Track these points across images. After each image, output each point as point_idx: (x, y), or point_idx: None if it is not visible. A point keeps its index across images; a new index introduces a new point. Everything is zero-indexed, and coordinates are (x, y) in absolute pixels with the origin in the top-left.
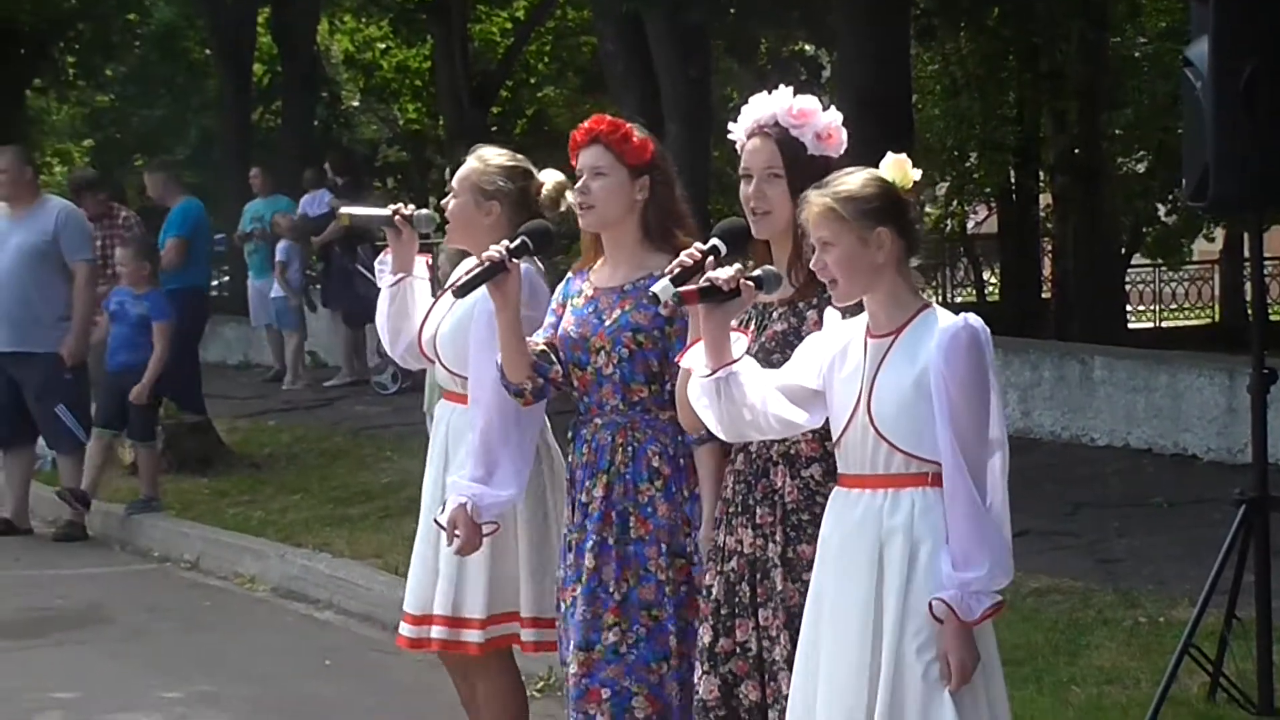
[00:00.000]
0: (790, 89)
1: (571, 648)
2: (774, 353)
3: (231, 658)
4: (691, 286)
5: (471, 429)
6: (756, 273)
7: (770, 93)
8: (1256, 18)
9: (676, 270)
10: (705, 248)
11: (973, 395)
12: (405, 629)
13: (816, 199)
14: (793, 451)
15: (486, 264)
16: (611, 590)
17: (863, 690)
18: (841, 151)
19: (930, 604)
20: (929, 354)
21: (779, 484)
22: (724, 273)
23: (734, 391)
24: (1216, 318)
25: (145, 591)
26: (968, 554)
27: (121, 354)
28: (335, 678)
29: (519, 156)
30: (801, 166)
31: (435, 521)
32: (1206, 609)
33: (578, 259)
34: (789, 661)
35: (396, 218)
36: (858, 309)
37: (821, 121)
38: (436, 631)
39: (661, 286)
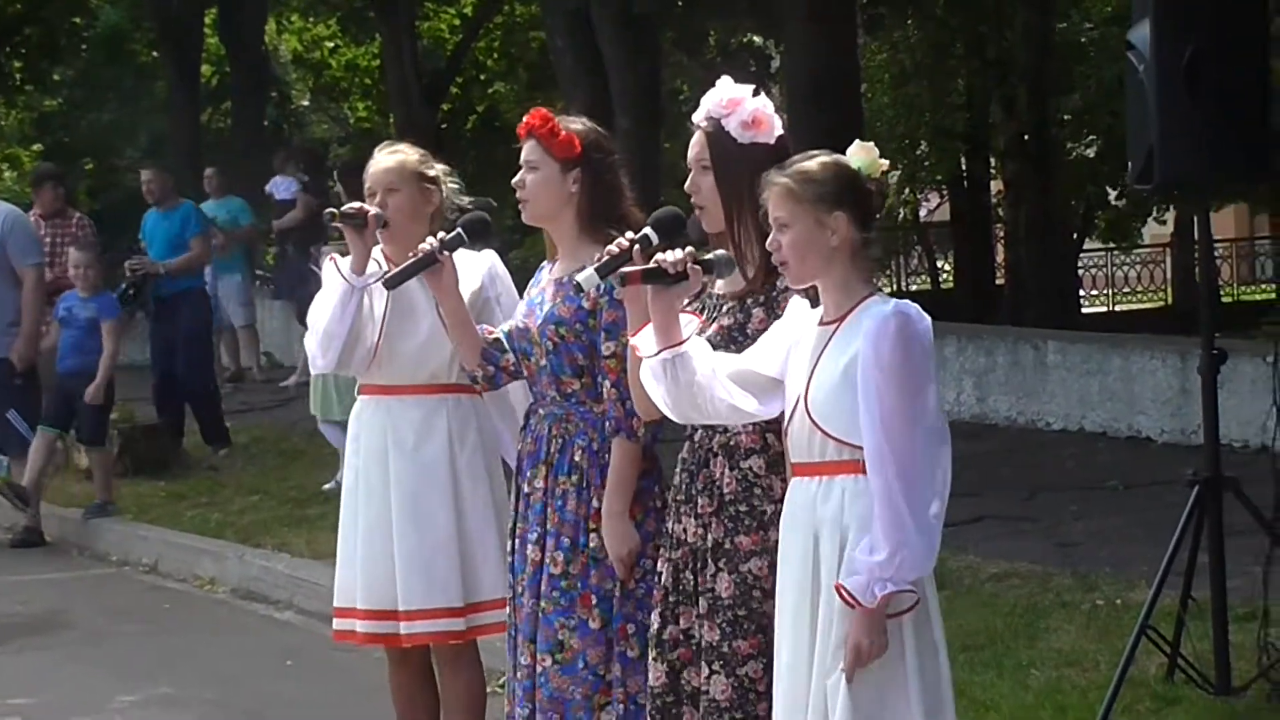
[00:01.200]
0: (729, 79)
1: (521, 640)
2: (719, 347)
3: (193, 660)
4: (636, 268)
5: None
6: (707, 257)
7: (723, 80)
8: None
9: (603, 259)
10: (635, 237)
11: (899, 382)
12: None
13: (777, 178)
14: (732, 443)
15: (419, 256)
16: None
17: (801, 685)
18: (774, 138)
19: (837, 588)
20: (859, 341)
21: (718, 475)
22: (671, 255)
23: (680, 373)
24: (1169, 300)
25: (105, 596)
26: (879, 539)
27: (71, 357)
28: (297, 677)
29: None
30: (728, 157)
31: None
32: (1163, 590)
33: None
34: (715, 649)
35: (370, 216)
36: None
37: (748, 109)
38: (421, 626)
39: (585, 276)
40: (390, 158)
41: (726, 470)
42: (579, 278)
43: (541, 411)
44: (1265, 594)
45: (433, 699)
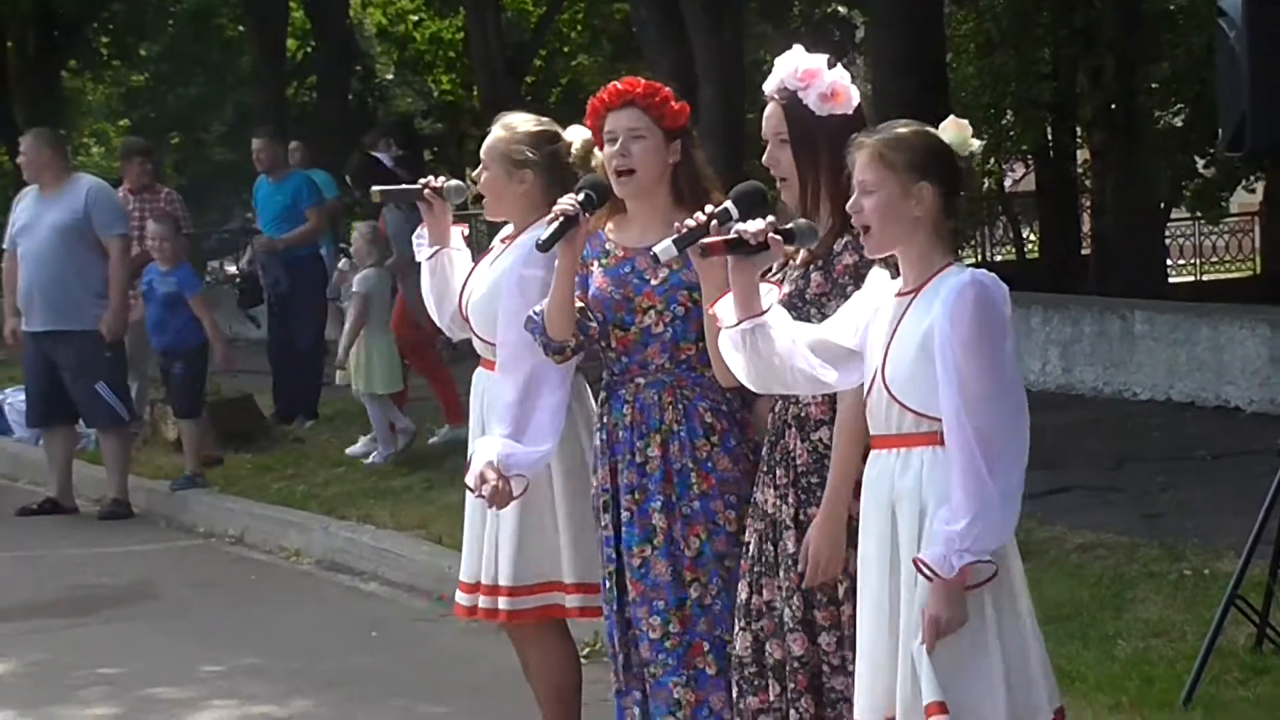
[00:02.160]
0: (801, 49)
1: (663, 607)
2: None
3: (277, 631)
4: (718, 239)
5: (502, 394)
6: (788, 226)
7: (793, 50)
8: None
9: (683, 231)
10: (715, 211)
11: (976, 352)
12: (459, 596)
13: (867, 141)
14: (803, 414)
15: (561, 219)
16: (683, 548)
17: (881, 657)
18: (853, 108)
19: (915, 561)
20: (935, 311)
21: (791, 446)
22: (752, 225)
23: (760, 343)
24: (1258, 270)
25: (191, 567)
26: (958, 510)
27: (156, 336)
28: (381, 649)
29: (544, 120)
30: (806, 129)
31: (464, 484)
32: (1251, 561)
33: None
34: (798, 622)
35: (427, 191)
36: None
37: (826, 81)
38: (483, 600)
39: (663, 247)
40: (492, 133)
41: (798, 442)
42: (656, 249)
43: (641, 380)
44: None
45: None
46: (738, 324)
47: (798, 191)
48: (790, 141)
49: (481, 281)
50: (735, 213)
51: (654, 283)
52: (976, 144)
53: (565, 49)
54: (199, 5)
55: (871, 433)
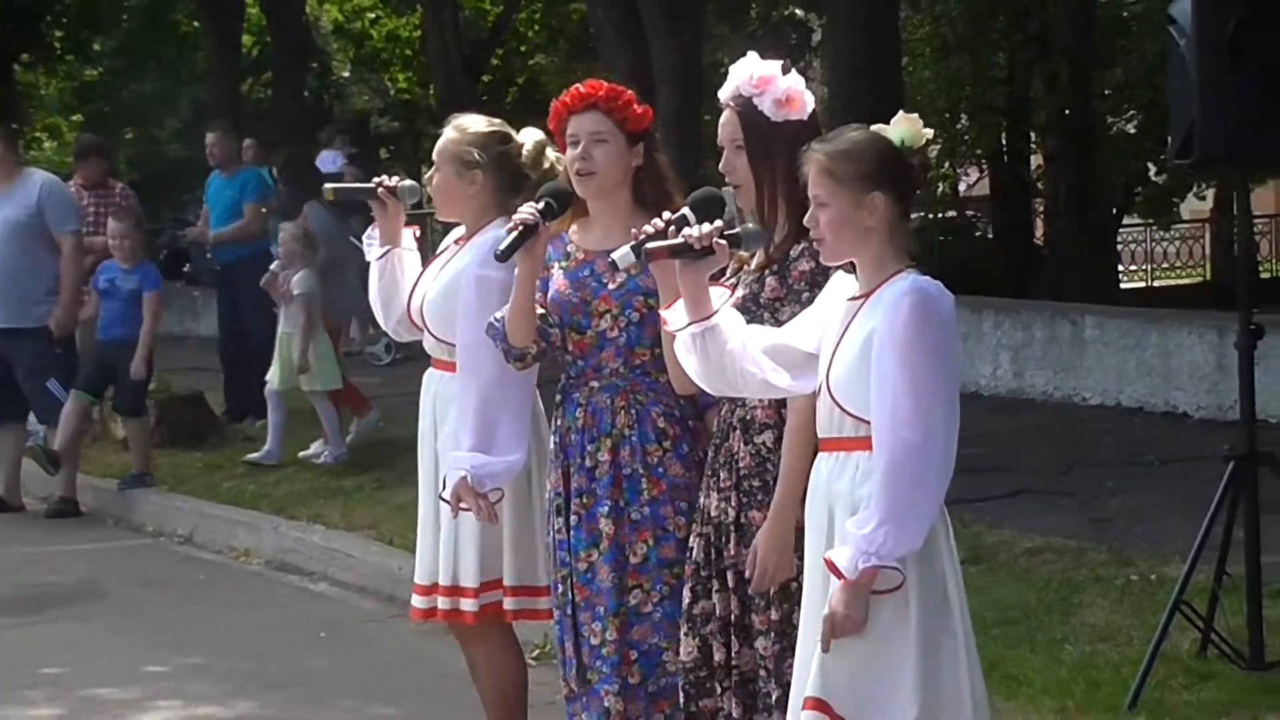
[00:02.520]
0: (756, 56)
1: (603, 613)
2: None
3: (225, 631)
4: (662, 244)
5: (459, 398)
6: (734, 231)
7: (747, 57)
8: None
9: (640, 237)
10: (672, 217)
11: (911, 359)
12: (414, 599)
13: (817, 154)
14: (748, 417)
15: (520, 228)
16: (628, 554)
17: (802, 663)
18: (808, 114)
19: (824, 560)
20: (878, 316)
21: (735, 449)
22: (697, 230)
23: (710, 346)
24: (1208, 276)
25: (139, 566)
26: (870, 514)
27: (115, 327)
28: (330, 650)
29: (496, 121)
30: (761, 136)
31: (441, 498)
32: (1197, 566)
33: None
34: (740, 624)
35: (381, 189)
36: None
37: (781, 87)
38: (441, 602)
39: (621, 254)
40: (444, 134)
41: (742, 445)
42: (615, 256)
43: (595, 384)
44: None
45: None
46: (686, 326)
47: (754, 197)
48: (746, 148)
49: (435, 282)
50: (693, 218)
51: (611, 287)
52: (928, 133)
53: (522, 48)
54: (154, 1)
55: (819, 435)
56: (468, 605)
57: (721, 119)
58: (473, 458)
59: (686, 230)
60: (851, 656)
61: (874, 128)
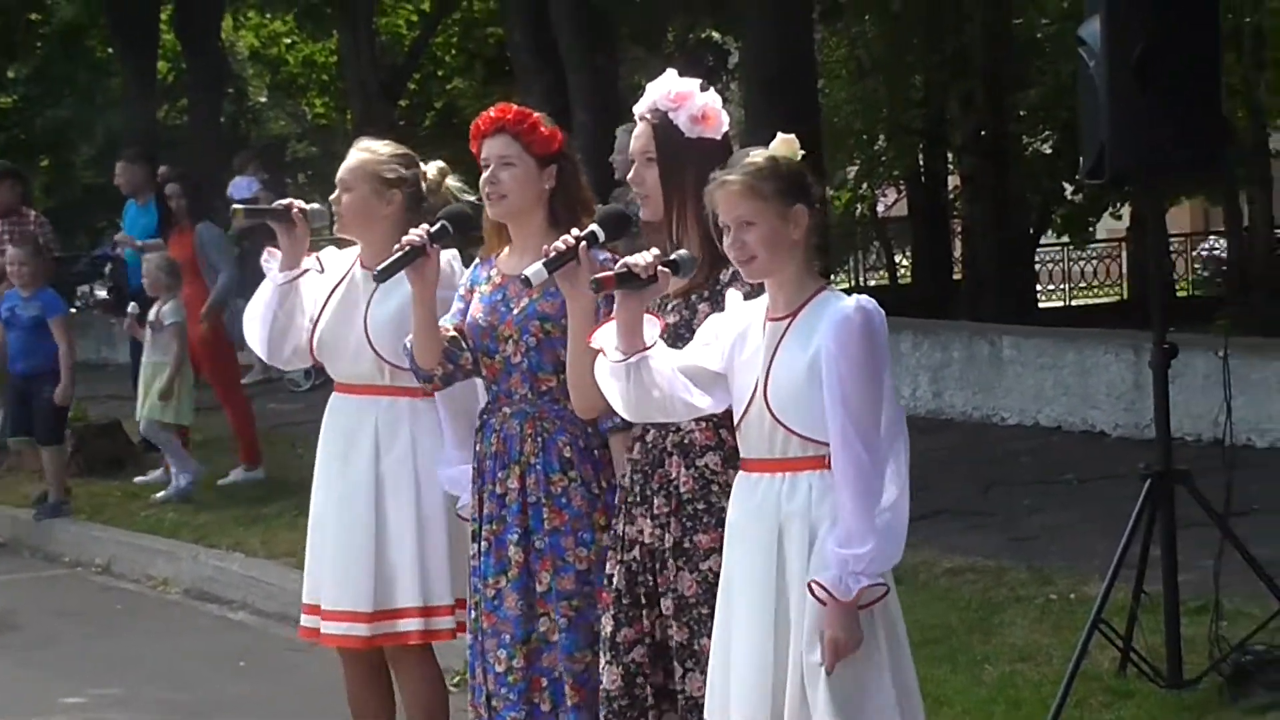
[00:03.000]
0: (675, 73)
1: (509, 641)
2: (671, 344)
3: (144, 661)
4: (609, 273)
5: (430, 418)
6: (672, 257)
7: (667, 74)
8: None
9: (551, 254)
10: (581, 234)
11: (864, 378)
12: (353, 628)
13: (735, 178)
14: (687, 441)
15: (407, 248)
16: (535, 583)
17: (767, 675)
18: (721, 134)
19: (810, 585)
20: (821, 336)
21: (674, 474)
22: (641, 259)
23: (644, 376)
24: (1125, 295)
25: (56, 597)
26: (851, 533)
27: (20, 361)
28: (249, 678)
29: (401, 145)
30: (675, 150)
31: (460, 516)
32: (1115, 584)
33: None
34: (686, 649)
35: (294, 212)
36: (759, 290)
37: (697, 103)
38: (409, 624)
39: (534, 270)
40: (354, 156)
41: (683, 469)
42: (527, 272)
43: (507, 410)
44: (1217, 587)
45: (384, 699)
46: (625, 359)
47: (662, 211)
48: (657, 161)
49: (380, 304)
50: (601, 235)
51: (514, 312)
52: (801, 154)
53: (440, 72)
54: (68, 25)
55: (746, 456)
56: (443, 623)
57: (635, 131)
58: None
59: (630, 259)
60: (862, 677)
61: (768, 151)
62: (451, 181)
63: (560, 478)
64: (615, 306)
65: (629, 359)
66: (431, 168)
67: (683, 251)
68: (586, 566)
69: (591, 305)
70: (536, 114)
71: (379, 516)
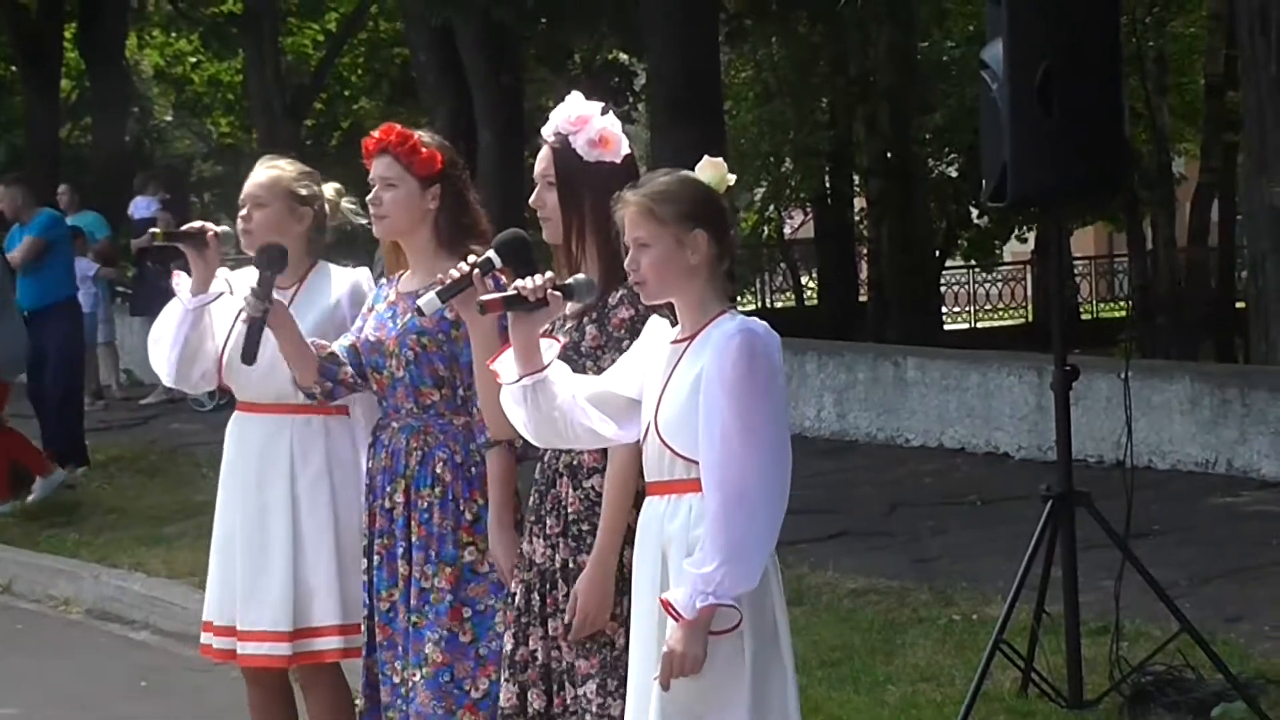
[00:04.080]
0: (580, 96)
1: (402, 653)
2: None
3: (43, 681)
4: (496, 295)
5: (345, 437)
6: (567, 282)
7: (572, 96)
8: (1048, 17)
9: (446, 282)
10: (477, 261)
11: (740, 400)
12: (268, 648)
13: (634, 199)
14: (575, 463)
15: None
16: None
17: (644, 697)
18: (621, 157)
19: (660, 600)
20: (704, 359)
21: (563, 495)
22: (530, 282)
23: (541, 398)
24: (1030, 318)
25: None
26: (705, 552)
27: None
28: (151, 697)
29: (303, 164)
30: (573, 174)
31: None
32: (1017, 605)
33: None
34: (573, 670)
35: (210, 235)
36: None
37: (595, 127)
38: (326, 642)
39: (426, 300)
40: (265, 172)
41: (570, 490)
42: (420, 302)
43: (395, 425)
44: (1117, 608)
45: (287, 717)
46: (519, 380)
47: (560, 234)
48: (556, 185)
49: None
50: (498, 261)
51: (396, 328)
52: (732, 178)
53: (346, 92)
54: None
55: (645, 479)
56: (330, 644)
57: (539, 154)
58: None
59: (520, 282)
60: (689, 694)
61: (680, 171)
62: (345, 203)
63: (428, 492)
64: (510, 329)
65: (523, 381)
66: (328, 189)
67: (580, 276)
68: (429, 585)
69: (492, 330)
70: (416, 135)
71: (295, 535)
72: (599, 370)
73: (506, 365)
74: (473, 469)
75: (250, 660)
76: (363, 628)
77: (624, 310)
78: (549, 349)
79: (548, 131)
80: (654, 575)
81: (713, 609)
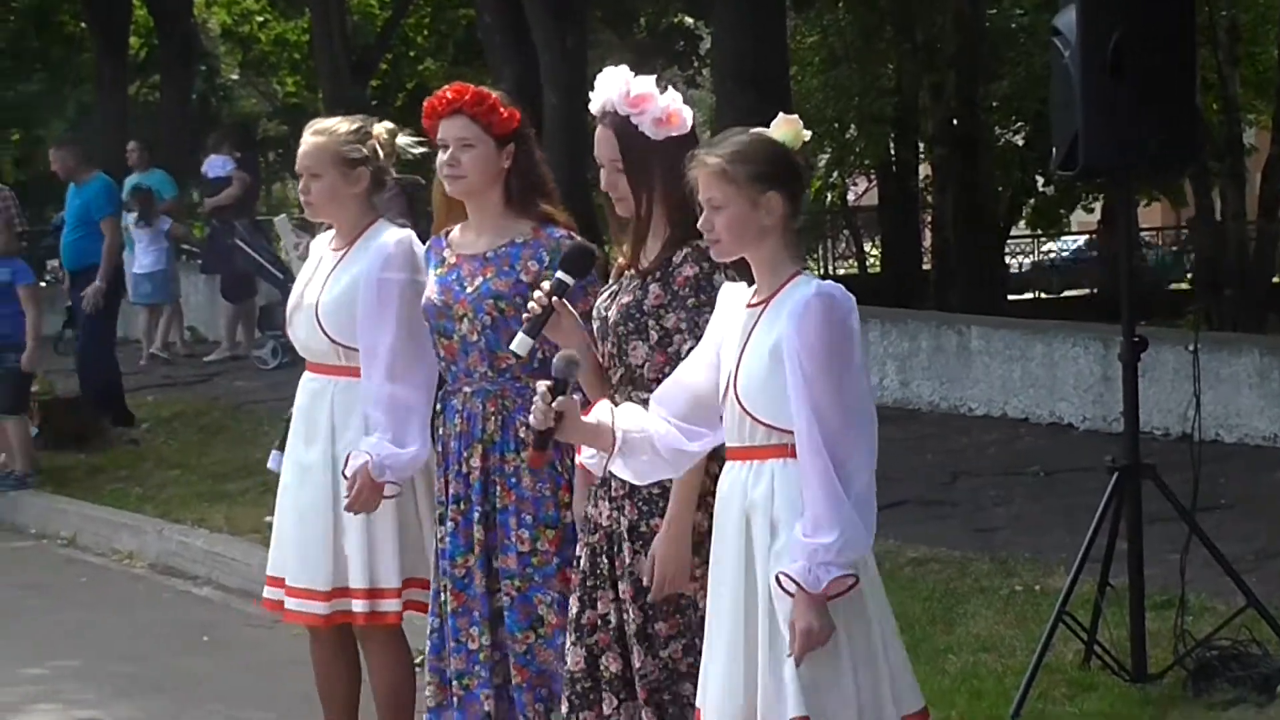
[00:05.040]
0: (624, 69)
1: (479, 618)
2: (620, 324)
3: (106, 634)
4: (533, 452)
5: (364, 396)
6: (556, 378)
7: (616, 69)
8: None
9: (528, 320)
10: (551, 288)
11: (826, 364)
12: (314, 605)
13: (709, 159)
14: None
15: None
16: (494, 560)
17: (738, 665)
18: (688, 129)
19: (776, 577)
20: (783, 323)
21: None
22: (535, 417)
23: (635, 456)
24: (1096, 288)
25: (20, 569)
26: (818, 522)
27: None
28: (212, 653)
29: (353, 116)
30: (642, 155)
31: (343, 474)
32: (1081, 576)
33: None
34: (640, 633)
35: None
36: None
37: (659, 106)
38: (357, 605)
39: (518, 342)
40: (312, 140)
41: None
42: (513, 346)
43: (468, 390)
44: (1182, 581)
45: (349, 674)
46: (609, 464)
47: (633, 210)
48: (625, 169)
49: (330, 284)
50: (570, 280)
51: (468, 290)
52: (807, 134)
53: (411, 53)
54: (40, 1)
55: (726, 444)
56: (389, 605)
57: (597, 136)
58: (379, 444)
59: (532, 420)
60: (826, 666)
61: (755, 130)
62: (402, 139)
63: (514, 457)
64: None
65: (609, 465)
66: (379, 129)
67: (557, 360)
68: (529, 549)
69: (578, 328)
70: (494, 94)
71: (334, 497)
72: (661, 329)
73: (591, 459)
74: None
75: (292, 616)
76: (431, 590)
77: (688, 268)
78: (606, 411)
79: (597, 108)
80: (738, 541)
81: (836, 580)
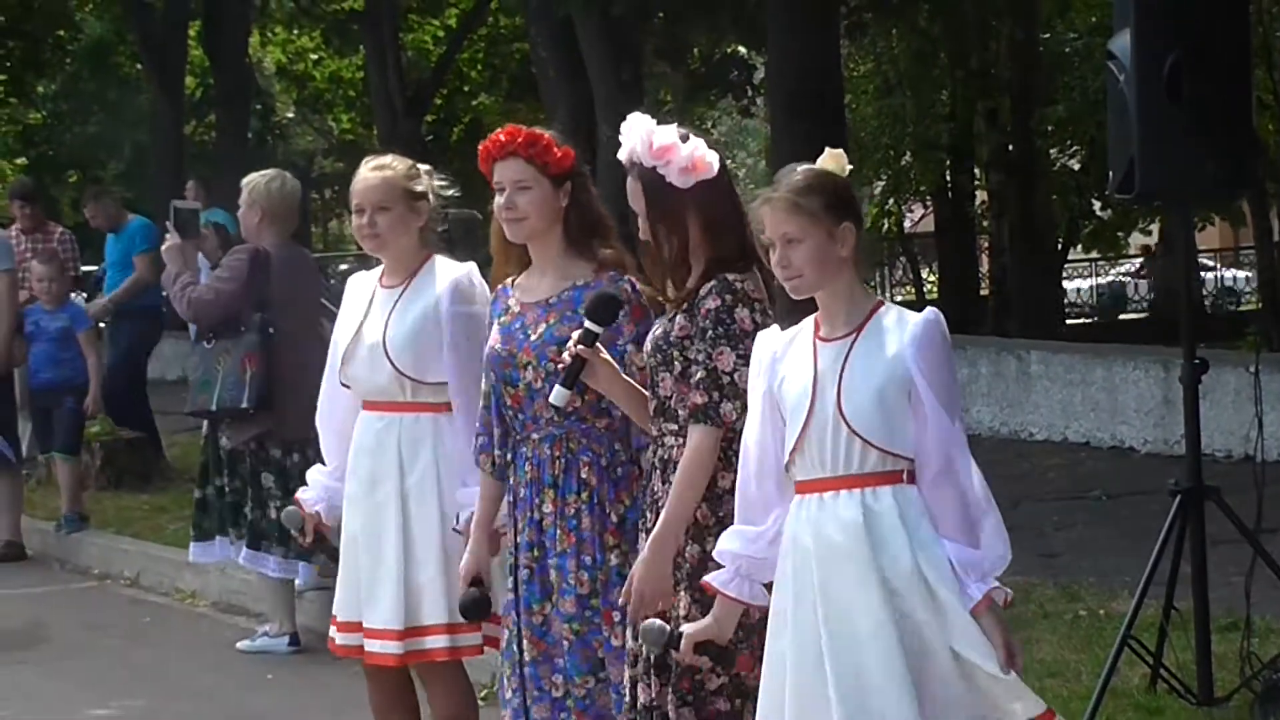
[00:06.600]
0: (646, 118)
1: (561, 665)
2: (651, 356)
3: (171, 673)
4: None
5: (458, 435)
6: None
7: (637, 118)
8: (1178, 8)
9: (563, 372)
10: (578, 338)
11: (950, 383)
12: (380, 645)
13: (781, 196)
14: (667, 457)
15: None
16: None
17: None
18: (715, 172)
19: (981, 601)
20: (901, 348)
21: (657, 491)
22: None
23: (760, 566)
24: (1153, 311)
25: (84, 609)
26: (986, 539)
27: (45, 372)
28: (277, 691)
29: (397, 155)
30: (673, 204)
31: (455, 530)
32: (1145, 600)
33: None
34: (661, 664)
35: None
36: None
37: (683, 155)
38: (435, 640)
39: (557, 394)
40: (377, 174)
41: (660, 484)
42: (551, 399)
43: (536, 436)
44: (1248, 604)
45: (410, 713)
46: (733, 579)
47: (670, 257)
48: (653, 216)
49: (398, 318)
50: (598, 329)
51: (532, 338)
52: (849, 166)
53: (466, 88)
54: (97, 42)
55: (809, 476)
56: (469, 640)
57: (628, 187)
58: (465, 493)
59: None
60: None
61: (807, 166)
62: (434, 181)
63: (575, 499)
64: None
65: (729, 586)
66: (421, 168)
67: (652, 624)
68: (588, 590)
69: (617, 375)
70: (548, 134)
71: (405, 534)
72: (685, 359)
73: (718, 578)
74: (618, 469)
75: (372, 658)
76: (504, 636)
77: (711, 301)
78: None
79: (625, 158)
80: (862, 565)
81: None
